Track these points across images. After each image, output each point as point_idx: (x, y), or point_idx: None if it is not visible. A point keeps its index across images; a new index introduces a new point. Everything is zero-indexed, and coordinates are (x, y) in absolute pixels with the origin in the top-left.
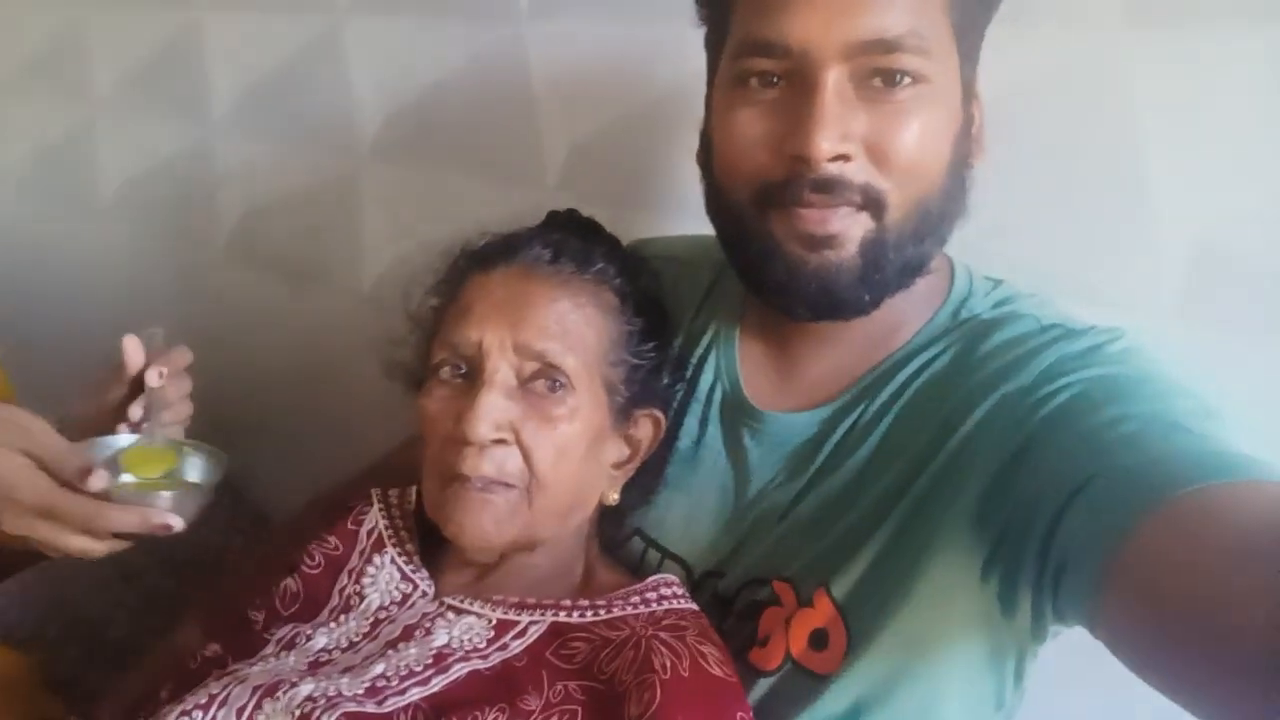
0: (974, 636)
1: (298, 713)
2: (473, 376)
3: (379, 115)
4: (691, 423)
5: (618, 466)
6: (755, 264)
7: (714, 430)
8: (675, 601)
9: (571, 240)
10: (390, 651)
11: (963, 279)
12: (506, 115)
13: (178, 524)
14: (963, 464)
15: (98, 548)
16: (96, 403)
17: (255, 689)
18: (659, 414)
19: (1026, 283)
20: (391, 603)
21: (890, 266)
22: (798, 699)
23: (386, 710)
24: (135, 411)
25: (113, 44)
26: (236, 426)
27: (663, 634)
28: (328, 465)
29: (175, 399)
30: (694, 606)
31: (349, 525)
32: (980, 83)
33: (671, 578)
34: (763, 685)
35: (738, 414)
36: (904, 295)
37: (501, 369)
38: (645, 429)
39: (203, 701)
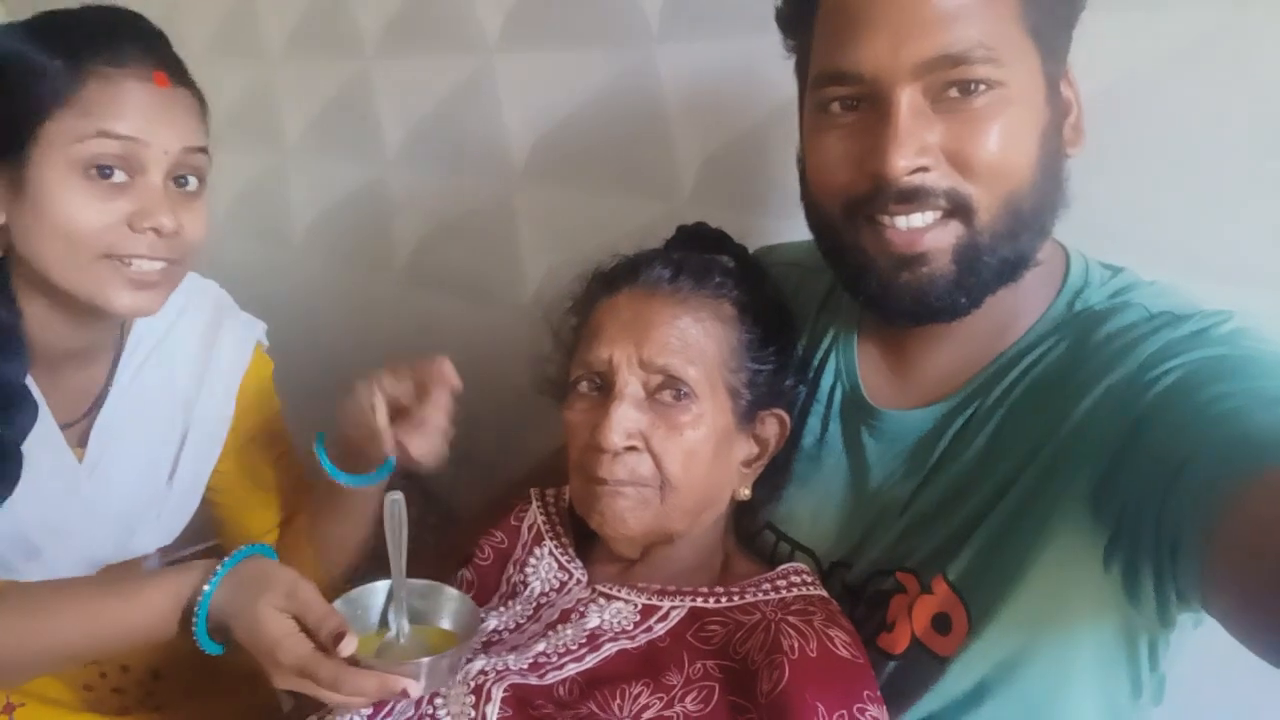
0: (1102, 622)
1: (473, 683)
2: (606, 390)
3: (528, 141)
4: (814, 422)
5: (747, 464)
6: (851, 276)
7: (835, 428)
8: (804, 588)
9: (692, 257)
10: (550, 632)
11: (1078, 269)
12: (643, 133)
13: (415, 691)
14: (1074, 452)
15: (351, 703)
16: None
17: None
18: (784, 413)
19: (1169, 267)
20: (550, 589)
21: (986, 268)
22: (923, 680)
23: (547, 682)
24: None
25: (297, 96)
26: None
27: (791, 618)
28: (500, 466)
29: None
30: (823, 593)
31: (512, 522)
32: (1093, 68)
33: (801, 566)
34: (891, 668)
35: (857, 412)
36: (1014, 289)
37: (630, 383)
38: (771, 428)
39: None
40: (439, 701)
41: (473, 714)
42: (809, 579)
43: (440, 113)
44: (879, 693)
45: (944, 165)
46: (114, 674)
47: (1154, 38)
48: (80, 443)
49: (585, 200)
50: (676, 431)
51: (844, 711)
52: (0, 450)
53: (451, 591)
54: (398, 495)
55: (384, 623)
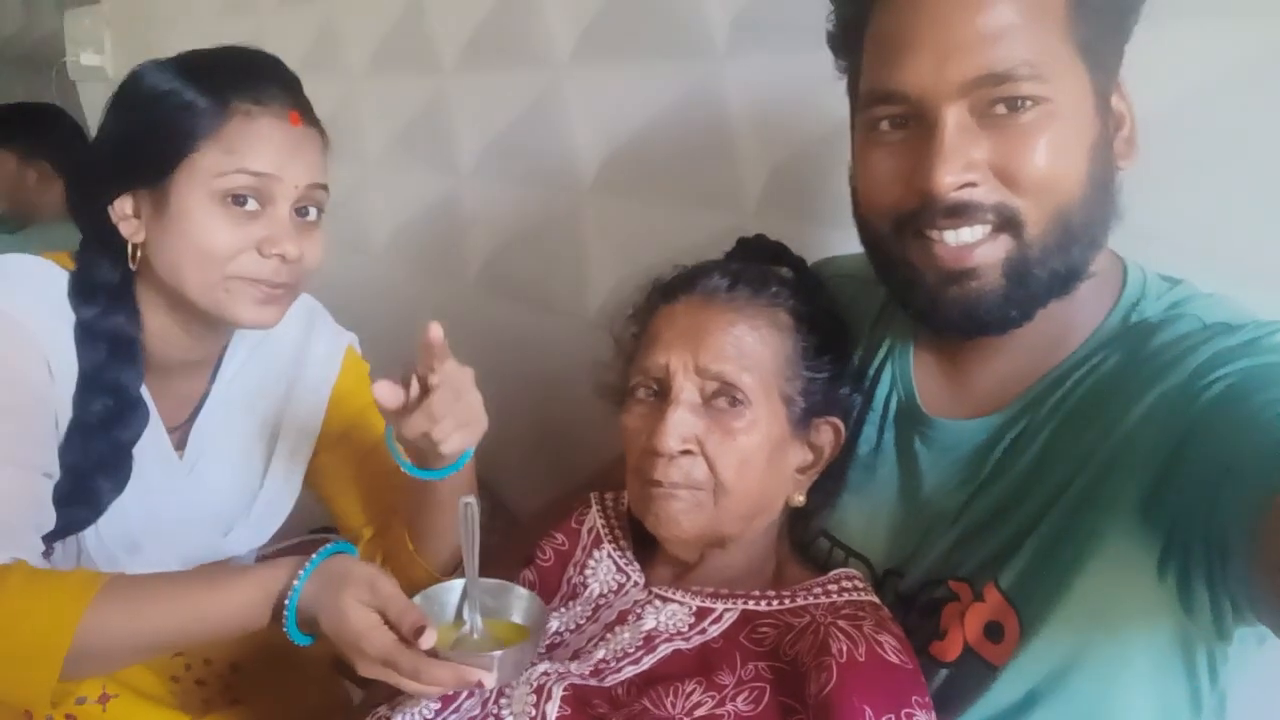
0: (1157, 633)
1: (535, 684)
2: (663, 396)
3: (598, 155)
4: (870, 430)
5: (802, 471)
6: (901, 291)
7: (890, 437)
8: (855, 594)
9: (749, 267)
10: (608, 635)
11: (1135, 281)
12: (709, 146)
13: (490, 682)
14: (1125, 461)
15: (430, 692)
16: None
17: None
18: (838, 421)
19: (1229, 279)
20: (609, 591)
21: (1036, 282)
22: (975, 688)
23: (606, 685)
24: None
25: (378, 112)
26: (486, 437)
27: (841, 622)
28: (564, 471)
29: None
30: (873, 598)
31: (572, 524)
32: (1155, 82)
33: (853, 572)
34: (942, 676)
35: (911, 421)
36: (1069, 301)
37: (686, 389)
38: (826, 435)
39: None
40: (504, 701)
41: (533, 712)
42: (860, 584)
43: (513, 128)
44: (929, 699)
45: (991, 180)
46: (198, 666)
47: (1218, 50)
48: (180, 445)
49: (652, 214)
50: (731, 437)
51: (891, 715)
52: (114, 452)
53: (521, 590)
54: (470, 499)
55: (458, 618)
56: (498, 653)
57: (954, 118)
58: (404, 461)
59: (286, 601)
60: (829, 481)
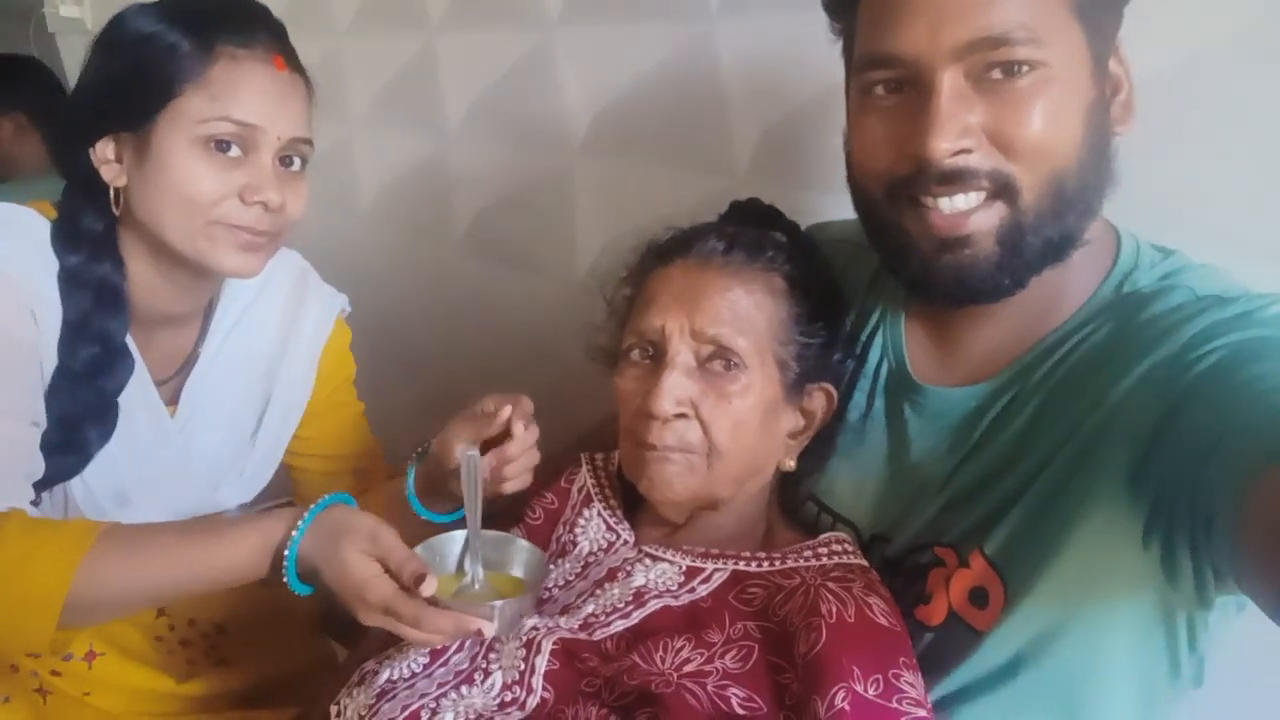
0: (1139, 601)
1: (524, 638)
2: (658, 358)
3: (587, 116)
4: (860, 397)
5: (793, 436)
6: (893, 257)
7: (880, 404)
8: (844, 557)
9: (745, 231)
10: (598, 591)
11: (1129, 251)
12: (701, 108)
13: (489, 631)
14: (1114, 430)
15: (431, 639)
16: (471, 435)
17: None
18: (830, 387)
19: (1225, 249)
20: (598, 549)
21: (1030, 249)
22: (959, 652)
23: (596, 639)
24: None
25: (363, 69)
26: (471, 394)
27: (830, 584)
28: (548, 433)
29: (530, 442)
30: (863, 562)
31: (562, 484)
32: (1152, 48)
33: (842, 535)
34: (927, 639)
35: (901, 388)
36: (1062, 270)
37: (682, 352)
38: (818, 401)
39: None
40: (492, 656)
41: (522, 666)
42: (850, 548)
43: (501, 87)
44: (915, 660)
45: (986, 146)
46: (182, 627)
47: (1215, 16)
48: (172, 400)
49: (642, 175)
50: (725, 400)
51: (879, 676)
52: (100, 400)
53: (522, 543)
54: (473, 451)
55: (459, 570)
56: (498, 602)
57: (949, 82)
58: (418, 502)
59: (286, 552)
60: (819, 446)
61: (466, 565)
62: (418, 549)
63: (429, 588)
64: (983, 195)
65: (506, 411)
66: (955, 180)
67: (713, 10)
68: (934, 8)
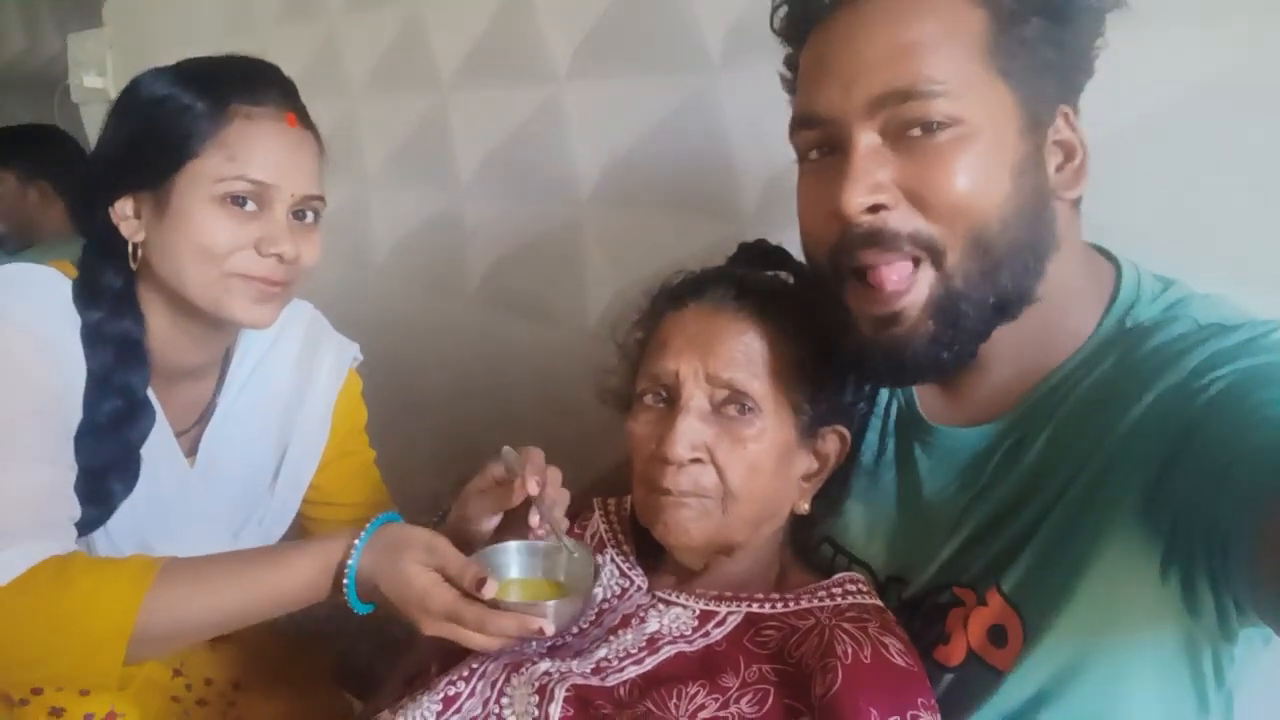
0: (1161, 634)
1: (537, 684)
2: (671, 403)
3: (596, 167)
4: (872, 438)
5: (807, 479)
6: (839, 335)
7: (892, 444)
8: (859, 597)
9: (756, 274)
10: (611, 637)
11: (1130, 283)
12: (706, 157)
13: (550, 629)
14: (1123, 462)
15: (492, 644)
16: (493, 508)
17: (505, 665)
18: (844, 430)
19: (1226, 278)
20: (612, 595)
21: (967, 318)
22: (979, 691)
23: (609, 684)
24: (534, 519)
25: (378, 128)
26: (485, 444)
27: (845, 624)
28: (565, 481)
29: (555, 494)
30: (878, 602)
31: (575, 530)
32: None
33: (857, 575)
34: (947, 680)
35: (911, 428)
36: (1058, 306)
37: (696, 396)
38: (832, 444)
39: (465, 674)
40: (505, 701)
41: (536, 713)
42: (864, 587)
43: (512, 143)
44: (934, 700)
45: (905, 205)
46: (199, 686)
47: (1208, 50)
48: (191, 451)
49: (650, 225)
50: (740, 445)
51: (897, 717)
52: (124, 452)
53: (569, 541)
54: (508, 448)
55: (509, 579)
56: (552, 602)
57: (865, 140)
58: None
59: (346, 570)
60: (834, 489)
61: (522, 564)
62: (472, 558)
63: (490, 590)
64: (909, 265)
65: (523, 491)
66: (876, 242)
67: (715, 61)
68: (847, 66)
